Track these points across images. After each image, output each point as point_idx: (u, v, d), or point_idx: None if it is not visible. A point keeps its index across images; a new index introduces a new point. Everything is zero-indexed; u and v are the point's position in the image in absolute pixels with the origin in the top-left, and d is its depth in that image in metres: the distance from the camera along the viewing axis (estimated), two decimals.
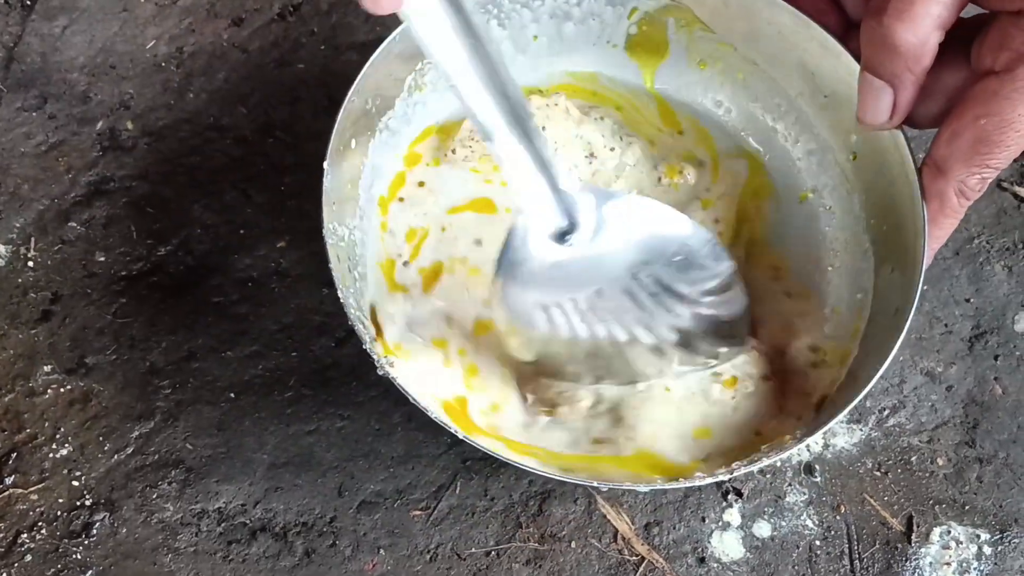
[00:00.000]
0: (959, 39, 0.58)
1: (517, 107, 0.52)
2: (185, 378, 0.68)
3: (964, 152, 0.58)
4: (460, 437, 0.55)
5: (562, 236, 0.58)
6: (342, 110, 0.61)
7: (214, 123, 0.76)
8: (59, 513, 0.65)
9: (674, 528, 0.67)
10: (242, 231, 0.72)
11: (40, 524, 0.64)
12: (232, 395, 0.68)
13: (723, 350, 0.64)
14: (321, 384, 0.69)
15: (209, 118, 0.76)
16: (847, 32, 0.64)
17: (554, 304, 0.61)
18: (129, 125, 0.76)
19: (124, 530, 0.65)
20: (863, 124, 0.61)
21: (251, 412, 0.68)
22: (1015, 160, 0.76)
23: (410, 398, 0.55)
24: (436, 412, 0.56)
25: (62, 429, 0.67)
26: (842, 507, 0.68)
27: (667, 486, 0.58)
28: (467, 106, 0.51)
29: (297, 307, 0.71)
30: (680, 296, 0.62)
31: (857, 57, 0.63)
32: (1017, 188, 0.77)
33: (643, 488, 0.61)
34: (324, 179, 0.59)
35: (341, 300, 0.56)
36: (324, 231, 0.58)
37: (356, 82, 0.62)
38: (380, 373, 0.56)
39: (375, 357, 0.56)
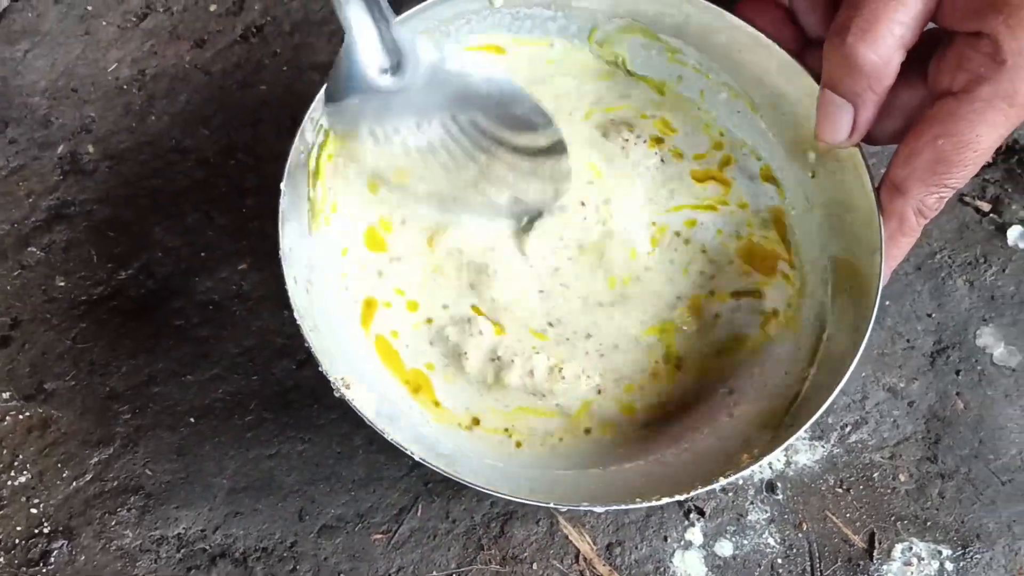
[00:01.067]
0: (916, 57, 0.59)
1: None
2: (145, 403, 0.68)
3: (923, 172, 0.59)
4: (417, 459, 0.55)
5: (384, 72, 0.64)
6: (299, 131, 0.61)
7: (176, 145, 0.76)
8: (17, 541, 0.64)
9: (636, 548, 0.67)
10: (203, 253, 0.72)
11: None
12: (192, 419, 0.68)
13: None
14: (282, 407, 0.68)
15: (171, 140, 0.76)
16: (804, 49, 0.65)
17: (380, 128, 0.66)
18: (90, 149, 0.75)
19: (83, 557, 0.64)
20: (822, 142, 0.62)
21: (211, 436, 0.67)
22: (976, 175, 0.77)
23: (366, 420, 0.55)
24: (394, 434, 0.56)
25: (20, 456, 0.66)
26: (804, 524, 0.68)
27: (628, 507, 0.58)
28: None
29: (259, 329, 0.71)
30: (498, 140, 0.67)
31: (815, 75, 0.63)
32: (979, 202, 0.78)
33: (599, 509, 0.61)
34: (280, 200, 0.60)
35: (298, 321, 0.56)
36: (280, 252, 0.58)
37: (314, 103, 0.62)
38: (336, 395, 0.56)
39: (332, 379, 0.56)
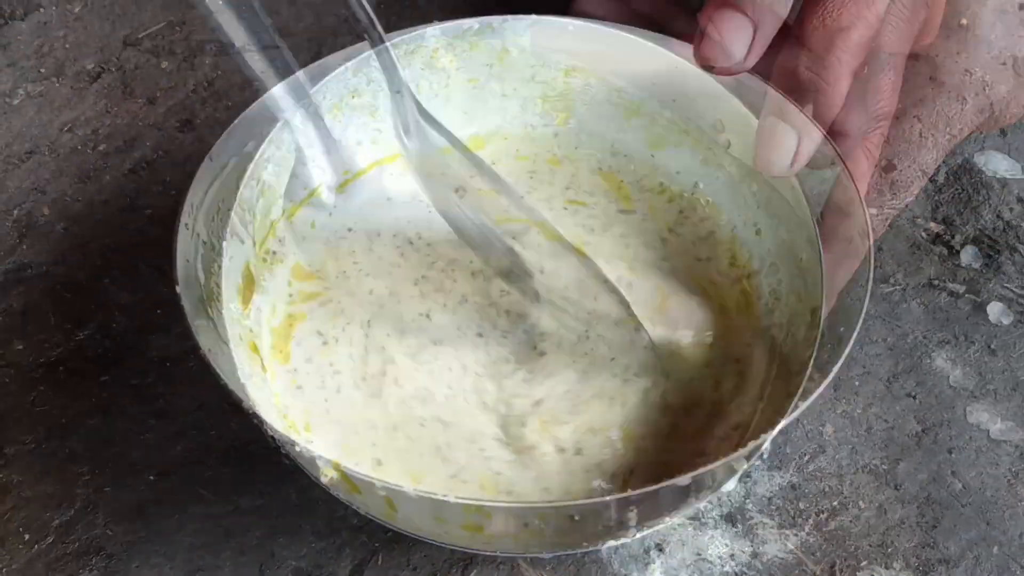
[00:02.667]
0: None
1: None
2: (104, 463, 0.68)
3: (856, 104, 0.62)
4: (363, 513, 0.55)
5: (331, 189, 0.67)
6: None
7: (130, 204, 0.77)
8: None
9: None
10: (159, 310, 0.73)
11: None
12: (152, 477, 0.68)
13: None
14: (240, 461, 0.69)
15: (125, 199, 0.77)
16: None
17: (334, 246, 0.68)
18: (46, 211, 0.76)
19: None
20: (764, 172, 0.64)
21: (171, 494, 0.68)
22: (946, 262, 0.76)
23: (310, 475, 0.55)
24: (338, 489, 0.56)
25: None
26: (764, 556, 0.68)
27: (573, 551, 0.58)
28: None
29: (215, 383, 0.70)
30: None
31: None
32: (951, 284, 0.76)
33: (547, 555, 0.61)
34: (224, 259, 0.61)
35: (247, 408, 0.56)
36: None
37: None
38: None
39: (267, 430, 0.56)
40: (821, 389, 0.54)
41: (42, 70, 0.82)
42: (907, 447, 0.69)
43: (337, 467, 0.51)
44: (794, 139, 0.62)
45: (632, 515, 0.54)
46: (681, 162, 0.72)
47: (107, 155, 0.78)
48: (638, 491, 0.50)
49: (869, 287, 0.57)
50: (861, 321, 0.56)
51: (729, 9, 0.60)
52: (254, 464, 0.69)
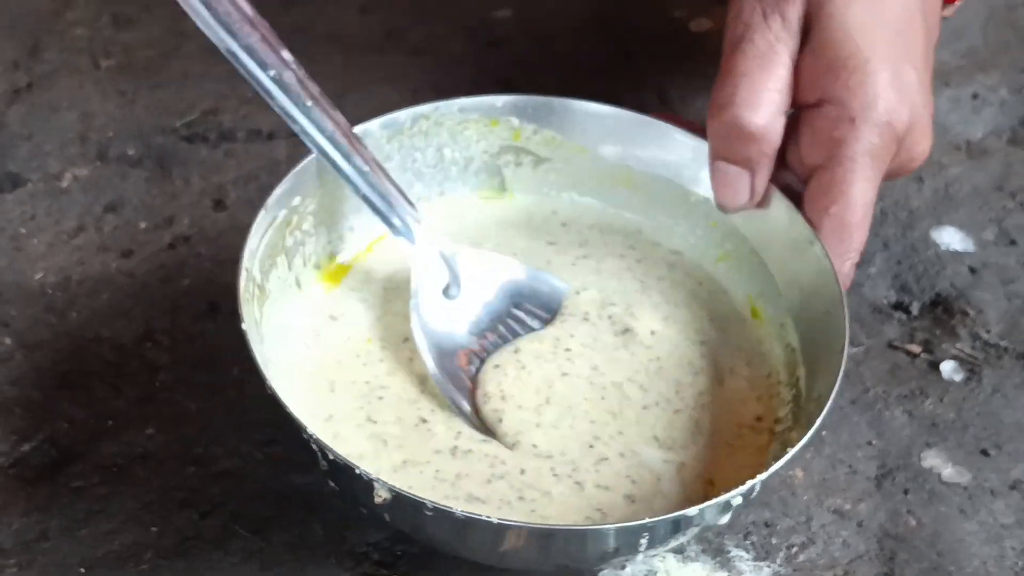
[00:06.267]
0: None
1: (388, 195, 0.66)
2: (33, 557, 0.65)
3: (831, 243, 0.64)
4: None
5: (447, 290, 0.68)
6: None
7: (94, 336, 0.78)
8: None
9: None
10: (110, 422, 0.72)
11: None
12: (82, 570, 0.65)
13: None
14: (180, 556, 0.66)
15: (91, 332, 0.78)
16: None
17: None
18: (7, 340, 0.77)
19: None
20: (725, 209, 0.68)
21: None
22: (905, 324, 0.79)
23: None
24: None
25: None
26: None
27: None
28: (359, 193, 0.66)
29: (161, 486, 0.69)
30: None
31: None
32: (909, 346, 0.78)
33: None
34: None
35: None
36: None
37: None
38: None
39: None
40: (795, 451, 0.60)
41: (22, 230, 0.86)
42: (868, 489, 0.71)
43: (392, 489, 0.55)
44: (746, 177, 0.65)
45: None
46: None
47: (76, 296, 0.80)
48: (621, 523, 0.58)
49: (844, 356, 0.62)
50: (837, 387, 0.61)
51: (722, 162, 0.66)
52: (194, 559, 0.66)
